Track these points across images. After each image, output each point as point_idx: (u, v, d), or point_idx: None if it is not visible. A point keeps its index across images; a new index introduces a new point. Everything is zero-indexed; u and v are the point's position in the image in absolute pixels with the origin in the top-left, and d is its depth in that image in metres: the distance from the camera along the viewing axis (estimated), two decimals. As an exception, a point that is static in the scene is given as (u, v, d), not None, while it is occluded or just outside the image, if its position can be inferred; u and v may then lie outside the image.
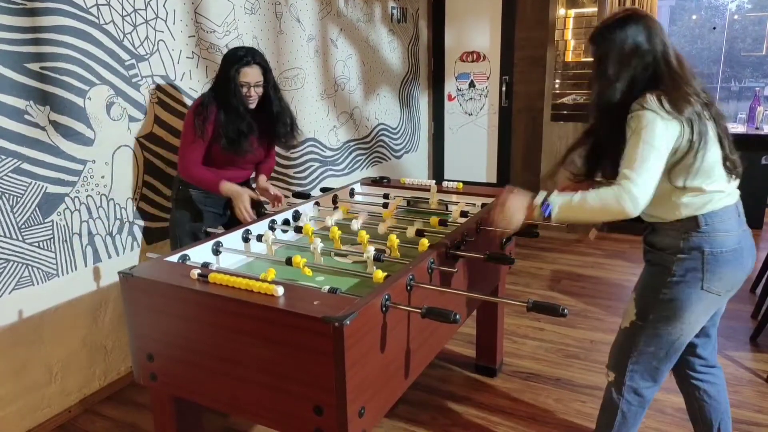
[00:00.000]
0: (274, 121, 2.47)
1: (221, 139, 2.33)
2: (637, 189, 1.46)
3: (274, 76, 2.46)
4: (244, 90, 2.32)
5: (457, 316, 1.43)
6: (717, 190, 1.57)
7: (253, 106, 2.38)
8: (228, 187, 2.35)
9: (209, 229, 2.16)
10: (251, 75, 2.32)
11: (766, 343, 2.86)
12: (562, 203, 1.57)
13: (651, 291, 1.66)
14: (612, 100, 1.59)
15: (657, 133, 1.48)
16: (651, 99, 1.51)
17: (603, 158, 1.68)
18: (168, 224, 2.69)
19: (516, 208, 1.63)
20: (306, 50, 3.62)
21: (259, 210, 2.42)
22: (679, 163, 1.54)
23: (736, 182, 1.65)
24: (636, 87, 1.57)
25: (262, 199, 2.46)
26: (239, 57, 2.31)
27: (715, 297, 1.62)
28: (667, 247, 1.62)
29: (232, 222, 2.48)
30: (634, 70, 1.58)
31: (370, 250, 1.79)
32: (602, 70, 1.62)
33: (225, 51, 2.97)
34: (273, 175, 3.45)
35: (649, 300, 1.66)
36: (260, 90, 2.38)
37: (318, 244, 1.88)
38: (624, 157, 1.52)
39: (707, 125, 1.54)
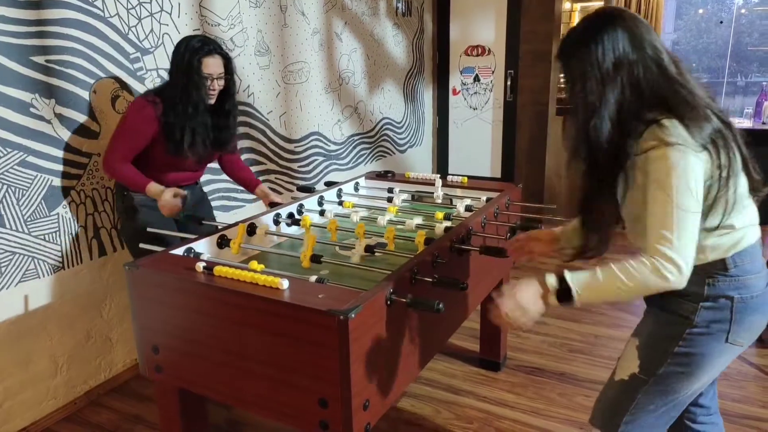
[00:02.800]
0: (225, 120, 2.23)
1: (165, 142, 2.11)
2: (683, 258, 1.16)
3: (235, 67, 2.26)
4: (206, 83, 2.09)
5: (441, 305, 1.36)
6: (747, 225, 1.30)
7: (212, 101, 2.16)
8: (154, 188, 2.12)
9: (150, 229, 2.01)
10: (213, 66, 2.09)
11: (771, 339, 2.85)
12: (583, 284, 1.25)
13: (662, 342, 1.35)
14: (600, 136, 1.24)
15: (691, 177, 1.15)
16: (671, 127, 1.17)
17: (595, 208, 1.34)
18: (121, 232, 2.47)
19: (530, 301, 1.30)
20: (311, 44, 3.62)
21: (188, 206, 2.18)
22: (709, 200, 1.23)
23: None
24: (629, 113, 1.23)
25: (183, 192, 2.16)
26: (199, 47, 2.07)
27: (739, 349, 1.35)
28: (687, 293, 1.29)
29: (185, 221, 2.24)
30: (621, 91, 1.24)
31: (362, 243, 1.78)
32: (579, 96, 1.27)
33: (230, 44, 2.99)
34: (276, 168, 3.46)
35: (659, 352, 1.35)
36: (222, 83, 2.15)
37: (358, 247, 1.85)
38: (652, 216, 1.20)
39: (732, 146, 1.24)
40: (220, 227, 2.00)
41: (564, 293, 1.27)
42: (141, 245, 1.90)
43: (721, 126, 1.24)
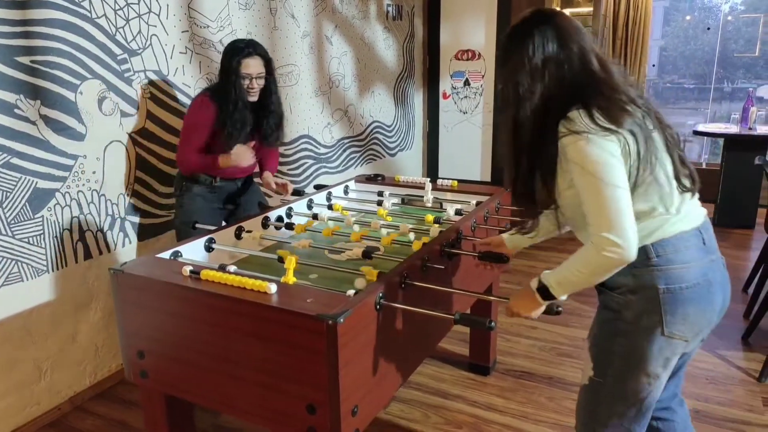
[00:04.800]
0: (266, 116, 2.45)
1: (221, 135, 2.32)
2: (622, 234, 1.19)
3: (275, 68, 2.45)
4: (246, 82, 2.31)
5: (492, 323, 1.40)
6: (667, 213, 1.29)
7: (254, 98, 2.37)
8: (225, 159, 2.35)
9: (199, 225, 2.12)
10: (253, 66, 2.31)
11: (757, 342, 2.87)
12: (555, 280, 1.33)
13: (604, 341, 1.38)
14: (524, 124, 1.31)
15: (602, 160, 1.21)
16: (579, 117, 1.24)
17: (532, 185, 1.37)
18: (173, 220, 2.66)
19: (527, 308, 1.41)
20: (300, 47, 3.60)
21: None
22: (632, 185, 1.26)
23: (696, 201, 1.37)
24: (554, 106, 1.29)
25: (252, 143, 2.42)
26: (240, 48, 2.30)
27: (681, 343, 1.32)
28: (615, 285, 1.33)
29: (232, 216, 2.55)
30: (547, 86, 1.30)
31: (358, 247, 1.78)
32: (510, 91, 1.33)
33: (219, 46, 2.97)
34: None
35: (605, 352, 1.38)
36: (262, 82, 2.36)
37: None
38: (586, 204, 1.24)
39: (653, 135, 1.29)
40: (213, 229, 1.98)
41: (546, 292, 1.35)
42: (198, 225, 2.10)
43: (643, 117, 1.29)
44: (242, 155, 2.34)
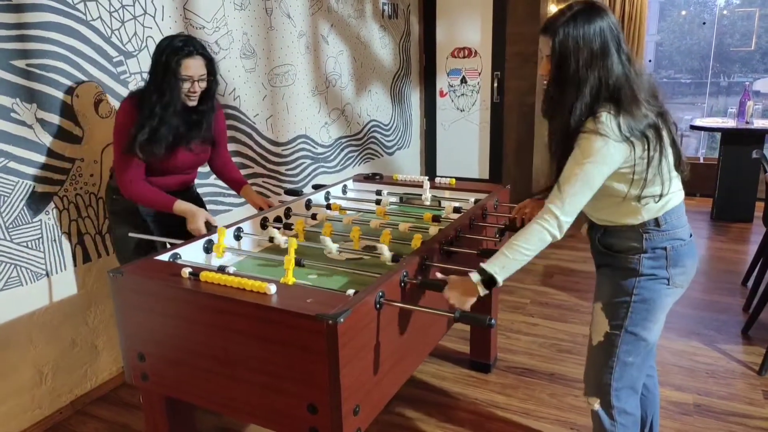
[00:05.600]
0: (203, 117, 2.12)
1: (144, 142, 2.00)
2: (564, 217, 1.44)
3: (218, 68, 2.15)
4: (186, 86, 2.00)
5: (492, 321, 1.43)
6: (674, 191, 1.54)
7: (194, 103, 2.07)
8: (184, 206, 2.07)
9: (132, 234, 1.97)
10: (194, 67, 1.99)
11: (757, 336, 2.87)
12: (499, 268, 1.48)
13: (621, 295, 1.58)
14: (575, 114, 1.42)
15: (599, 166, 1.39)
16: (608, 121, 1.38)
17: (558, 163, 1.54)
18: (111, 240, 2.43)
19: (459, 299, 1.51)
20: (297, 46, 3.60)
21: (211, 230, 2.03)
22: (642, 179, 1.45)
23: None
24: (597, 99, 1.41)
25: (214, 224, 2.07)
26: (178, 47, 1.97)
27: (680, 290, 1.60)
28: (628, 249, 1.56)
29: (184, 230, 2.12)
30: (599, 77, 1.40)
31: (385, 251, 1.78)
32: (566, 75, 1.42)
33: (215, 47, 2.96)
34: (263, 171, 3.44)
35: (622, 306, 1.59)
36: (204, 84, 2.06)
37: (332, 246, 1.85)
38: (560, 179, 1.45)
39: (663, 134, 1.46)
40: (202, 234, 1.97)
41: (488, 281, 1.49)
42: (131, 234, 1.93)
43: (656, 120, 1.45)
44: (197, 228, 2.03)
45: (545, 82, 1.52)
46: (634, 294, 1.56)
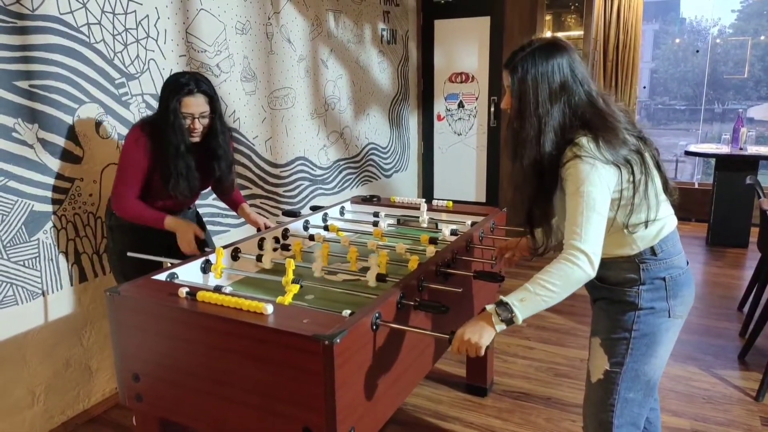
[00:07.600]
0: (215, 159, 2.20)
1: (157, 173, 2.10)
2: (590, 249, 1.34)
3: (221, 105, 2.20)
4: (188, 122, 2.05)
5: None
6: (666, 216, 1.50)
7: (197, 139, 2.11)
8: (173, 222, 2.11)
9: (131, 254, 1.99)
10: (194, 105, 2.04)
11: (754, 361, 2.87)
12: (518, 300, 1.37)
13: (620, 331, 1.52)
14: (543, 149, 1.41)
15: (596, 187, 1.35)
16: (586, 144, 1.37)
17: (537, 211, 1.51)
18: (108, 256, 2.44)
19: (476, 333, 1.37)
20: (297, 70, 3.65)
21: (202, 247, 2.12)
22: (629, 204, 1.43)
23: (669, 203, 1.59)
24: (565, 131, 1.42)
25: (202, 237, 2.15)
26: (181, 85, 2.03)
27: (680, 321, 1.55)
28: (625, 281, 1.51)
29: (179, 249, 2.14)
30: (563, 111, 1.42)
31: (370, 274, 1.78)
32: (528, 110, 1.42)
33: (216, 70, 3.00)
34: (262, 193, 3.46)
35: (620, 341, 1.52)
36: (205, 121, 2.10)
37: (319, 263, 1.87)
38: (568, 218, 1.38)
39: (646, 157, 1.45)
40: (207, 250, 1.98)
41: (504, 313, 1.37)
42: (129, 254, 1.94)
43: (638, 145, 1.45)
44: (188, 248, 2.06)
45: (510, 115, 1.52)
46: (634, 329, 1.50)
